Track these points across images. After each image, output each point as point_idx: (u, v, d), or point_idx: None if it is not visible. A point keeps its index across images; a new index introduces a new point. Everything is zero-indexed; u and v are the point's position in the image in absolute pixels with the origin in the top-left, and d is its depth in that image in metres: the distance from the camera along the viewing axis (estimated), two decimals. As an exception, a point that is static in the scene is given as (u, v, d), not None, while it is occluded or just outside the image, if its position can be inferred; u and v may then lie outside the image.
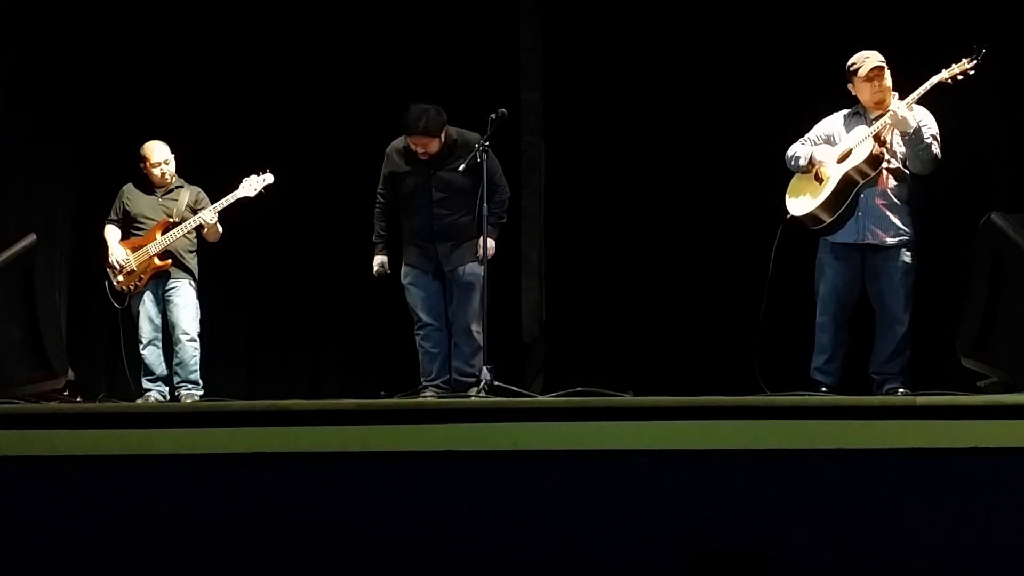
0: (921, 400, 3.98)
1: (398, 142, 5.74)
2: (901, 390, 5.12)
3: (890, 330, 5.16)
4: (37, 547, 3.63)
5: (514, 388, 5.21)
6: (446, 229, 5.60)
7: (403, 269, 5.76)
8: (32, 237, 5.34)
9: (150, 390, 6.10)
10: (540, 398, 5.09)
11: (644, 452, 3.64)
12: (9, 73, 6.85)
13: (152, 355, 6.13)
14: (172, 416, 3.93)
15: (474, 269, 5.58)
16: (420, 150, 5.57)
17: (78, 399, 5.85)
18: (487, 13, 7.18)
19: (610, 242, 7.03)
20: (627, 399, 4.57)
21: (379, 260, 5.82)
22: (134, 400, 6.05)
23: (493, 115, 5.45)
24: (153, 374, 6.13)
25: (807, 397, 4.95)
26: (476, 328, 5.51)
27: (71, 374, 5.83)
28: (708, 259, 6.77)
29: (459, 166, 5.42)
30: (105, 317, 6.80)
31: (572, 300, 7.09)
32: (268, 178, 6.17)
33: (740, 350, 5.38)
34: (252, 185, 6.14)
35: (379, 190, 5.82)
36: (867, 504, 3.53)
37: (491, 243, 5.51)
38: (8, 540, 3.63)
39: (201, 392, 6.10)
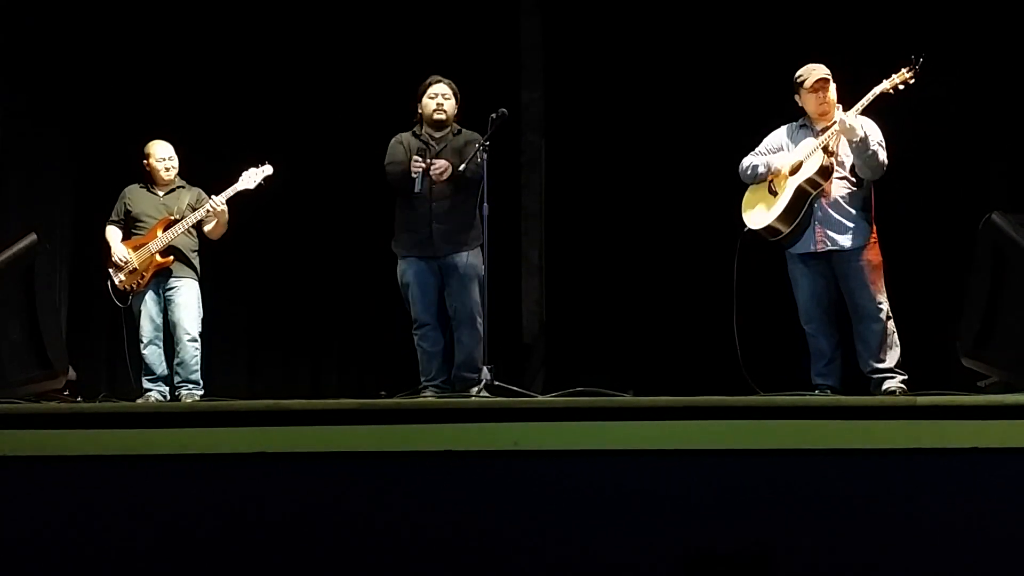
0: (922, 400, 3.98)
1: (405, 134, 5.74)
2: (899, 387, 5.13)
3: (867, 329, 5.21)
4: (38, 546, 3.63)
5: (514, 388, 5.20)
6: (445, 213, 5.50)
7: (400, 266, 5.69)
8: (32, 236, 5.34)
9: (150, 390, 6.10)
10: (540, 398, 5.09)
11: (644, 452, 3.64)
12: (10, 72, 6.85)
13: (153, 355, 6.13)
14: (172, 416, 3.93)
15: (472, 260, 5.56)
16: (440, 102, 5.60)
17: (78, 399, 5.85)
18: (488, 12, 7.18)
19: (610, 242, 7.03)
20: (627, 399, 4.57)
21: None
22: (134, 400, 6.04)
23: (493, 115, 5.45)
24: (153, 374, 6.12)
25: (808, 397, 4.95)
26: (479, 320, 5.48)
27: (72, 374, 5.84)
28: (709, 259, 6.75)
29: (460, 165, 5.40)
30: (105, 317, 6.81)
31: (572, 300, 7.10)
32: (267, 169, 6.15)
33: (736, 350, 5.38)
34: (252, 177, 6.12)
35: (387, 162, 5.71)
36: (868, 504, 3.53)
37: (443, 163, 5.46)
38: (9, 539, 3.63)
39: (201, 392, 6.09)
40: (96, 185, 7.06)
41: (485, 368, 5.13)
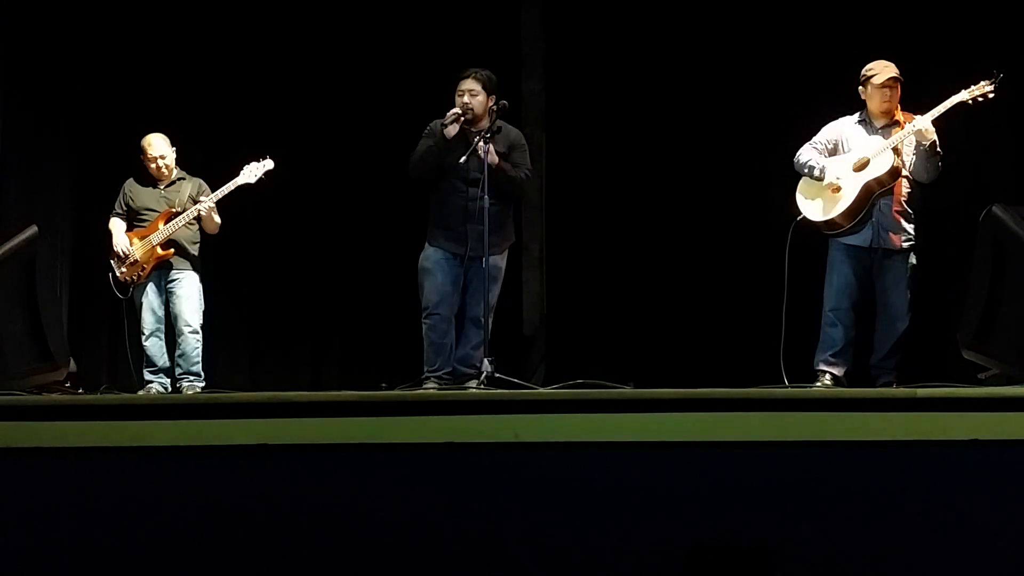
0: (922, 392, 3.98)
1: (439, 122, 5.54)
2: (896, 384, 5.19)
3: (891, 327, 5.27)
4: (39, 538, 3.64)
5: (515, 380, 5.19)
6: (482, 213, 5.29)
7: (426, 251, 5.57)
8: (33, 229, 5.33)
9: (151, 382, 6.10)
10: (541, 390, 5.09)
11: (645, 444, 3.65)
12: (10, 65, 6.84)
13: (154, 347, 6.12)
14: (173, 408, 3.94)
15: (499, 263, 5.53)
16: (466, 100, 5.42)
17: (80, 390, 5.85)
18: (488, 3, 7.17)
19: (611, 234, 7.02)
20: (628, 391, 4.58)
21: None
22: (136, 391, 6.04)
23: (494, 106, 5.43)
24: (155, 366, 6.12)
25: (808, 389, 4.97)
26: (486, 319, 5.44)
27: (73, 365, 5.84)
28: (709, 251, 6.77)
29: (460, 157, 5.34)
30: (106, 308, 6.81)
31: (573, 292, 7.09)
32: (268, 164, 6.14)
33: (740, 342, 5.39)
34: (252, 172, 6.12)
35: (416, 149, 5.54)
36: (867, 496, 3.53)
37: (497, 159, 5.35)
38: (10, 531, 3.63)
39: (203, 384, 6.09)
40: (97, 178, 7.06)
41: (486, 360, 5.12)
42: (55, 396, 5.10)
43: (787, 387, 5.02)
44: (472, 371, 5.37)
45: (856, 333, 5.38)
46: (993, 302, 4.73)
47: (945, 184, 6.41)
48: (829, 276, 5.40)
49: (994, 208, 4.78)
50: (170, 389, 6.12)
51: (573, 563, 3.55)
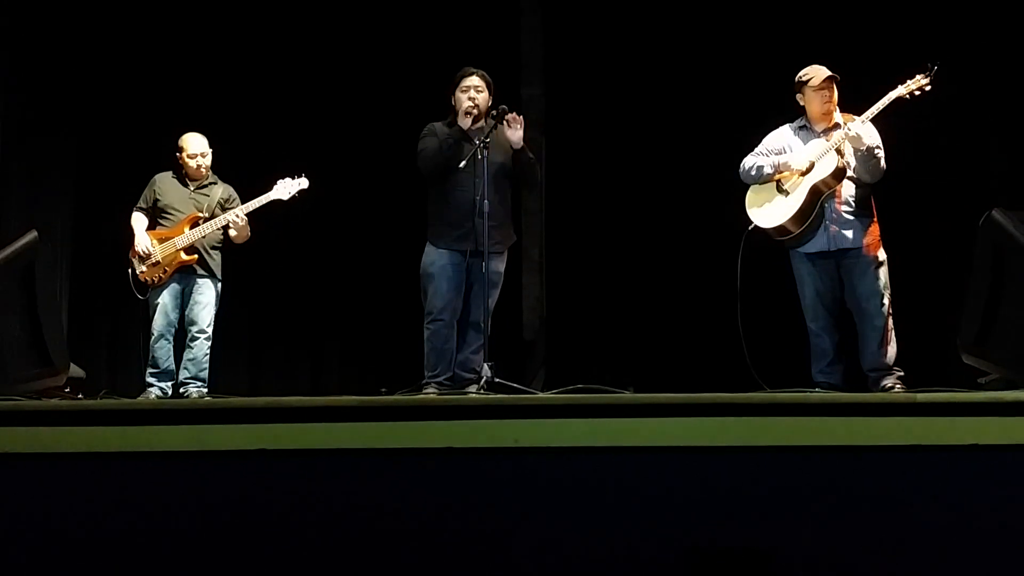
0: (922, 397, 3.98)
1: (438, 123, 5.63)
2: (898, 385, 5.18)
3: (870, 327, 5.28)
4: (39, 544, 3.64)
5: (515, 385, 5.19)
6: (488, 207, 5.30)
7: (429, 254, 5.56)
8: (33, 233, 5.33)
9: (152, 385, 6.07)
10: (541, 395, 5.09)
11: (645, 449, 3.64)
12: (11, 67, 6.85)
13: (162, 349, 6.07)
14: (173, 413, 3.94)
15: (499, 267, 5.56)
16: (472, 95, 5.51)
17: (79, 396, 5.85)
18: (488, 8, 7.18)
19: (611, 239, 7.04)
20: (628, 396, 4.57)
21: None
22: (136, 396, 6.03)
23: (494, 111, 5.44)
24: (158, 368, 6.08)
25: (808, 394, 4.97)
26: (485, 323, 5.44)
27: (79, 371, 5.83)
28: (709, 255, 6.77)
29: (460, 162, 5.36)
30: (107, 314, 6.82)
31: (573, 297, 7.11)
32: (303, 182, 6.07)
33: (740, 347, 5.40)
34: (286, 188, 6.06)
35: (420, 148, 5.59)
36: (867, 501, 3.53)
37: (519, 134, 5.46)
38: (9, 537, 3.63)
39: (206, 389, 6.08)
40: (98, 183, 7.06)
41: (486, 365, 5.12)
42: (55, 401, 5.09)
43: (788, 392, 5.02)
44: (472, 375, 5.37)
45: (843, 334, 5.38)
46: (993, 306, 4.72)
47: (944, 188, 6.44)
48: (801, 291, 5.42)
49: (994, 213, 4.78)
50: (169, 393, 6.10)
51: (573, 568, 3.55)
